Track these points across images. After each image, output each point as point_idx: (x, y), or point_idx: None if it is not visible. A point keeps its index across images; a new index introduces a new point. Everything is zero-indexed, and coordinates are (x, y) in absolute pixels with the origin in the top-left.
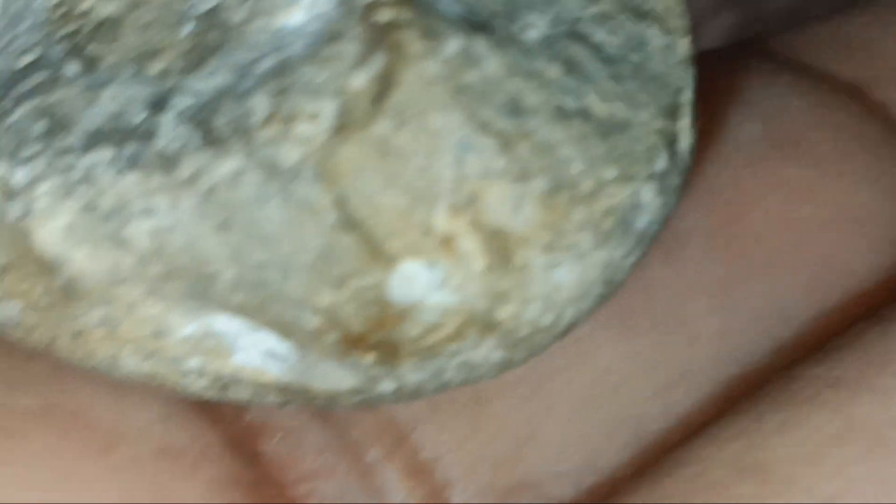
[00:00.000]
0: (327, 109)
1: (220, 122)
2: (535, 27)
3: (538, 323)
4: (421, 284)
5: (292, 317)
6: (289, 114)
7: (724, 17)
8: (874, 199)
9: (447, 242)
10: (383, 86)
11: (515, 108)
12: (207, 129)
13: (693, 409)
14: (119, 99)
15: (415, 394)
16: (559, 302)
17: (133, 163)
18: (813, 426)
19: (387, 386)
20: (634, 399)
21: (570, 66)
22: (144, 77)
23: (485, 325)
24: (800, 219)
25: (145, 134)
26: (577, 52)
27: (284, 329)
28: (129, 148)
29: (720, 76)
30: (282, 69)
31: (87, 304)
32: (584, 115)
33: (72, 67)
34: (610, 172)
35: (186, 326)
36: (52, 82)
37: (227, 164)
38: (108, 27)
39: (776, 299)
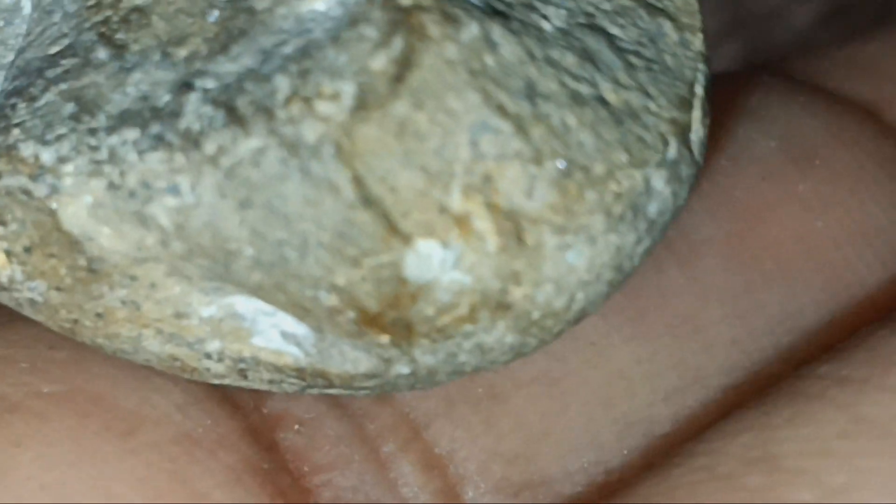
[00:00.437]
0: (347, 89)
1: (244, 102)
2: (553, 18)
3: (550, 306)
4: (436, 263)
5: (310, 296)
6: (310, 93)
7: (729, 46)
8: (886, 215)
9: (462, 222)
10: (402, 67)
11: (531, 93)
12: (231, 108)
13: (705, 413)
14: (146, 82)
15: (429, 378)
16: (571, 285)
17: (157, 142)
18: (821, 421)
19: (402, 369)
20: (647, 401)
21: (586, 56)
22: (171, 61)
23: (498, 305)
24: (813, 232)
25: (170, 114)
26: (593, 42)
27: (302, 309)
28: (154, 128)
29: (738, 94)
30: (304, 52)
31: (110, 284)
32: (598, 101)
33: (101, 53)
34: (622, 157)
35: (207, 307)
36: (81, 67)
37: (250, 143)
38: (137, 15)
39: (789, 309)
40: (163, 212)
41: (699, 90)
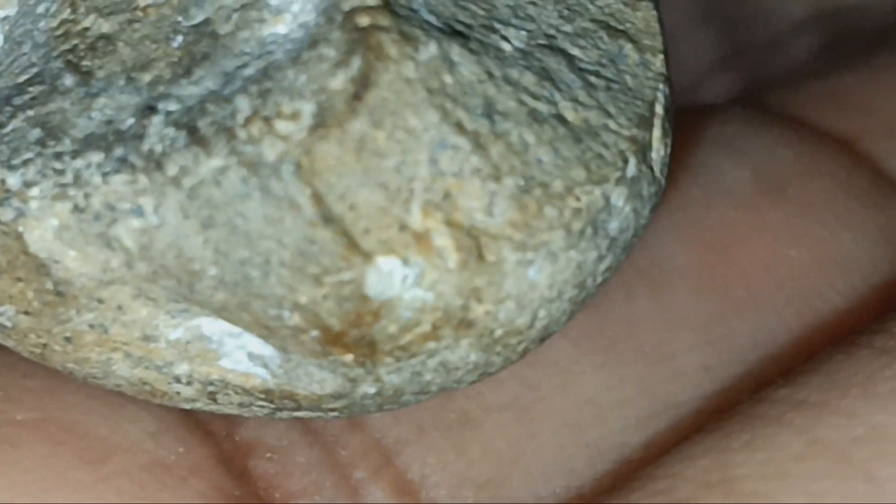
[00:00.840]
0: (307, 108)
1: (205, 123)
2: (513, 39)
3: (513, 323)
4: (397, 280)
5: (273, 315)
6: (270, 113)
7: (726, 77)
8: (858, 245)
9: (422, 239)
10: (361, 86)
11: (489, 111)
12: (193, 129)
13: (676, 439)
14: (111, 107)
15: (396, 398)
16: (533, 302)
17: (121, 164)
18: (778, 444)
19: (368, 389)
20: (618, 427)
21: (545, 75)
22: (136, 86)
23: (460, 322)
24: (784, 261)
25: (134, 137)
26: (553, 63)
27: (266, 329)
28: (118, 151)
29: (714, 126)
30: (265, 73)
31: (77, 307)
32: (556, 119)
33: (67, 80)
34: (581, 174)
35: (174, 330)
36: (48, 94)
37: (211, 162)
38: (104, 42)
39: (760, 337)
40: (127, 233)
41: (659, 109)
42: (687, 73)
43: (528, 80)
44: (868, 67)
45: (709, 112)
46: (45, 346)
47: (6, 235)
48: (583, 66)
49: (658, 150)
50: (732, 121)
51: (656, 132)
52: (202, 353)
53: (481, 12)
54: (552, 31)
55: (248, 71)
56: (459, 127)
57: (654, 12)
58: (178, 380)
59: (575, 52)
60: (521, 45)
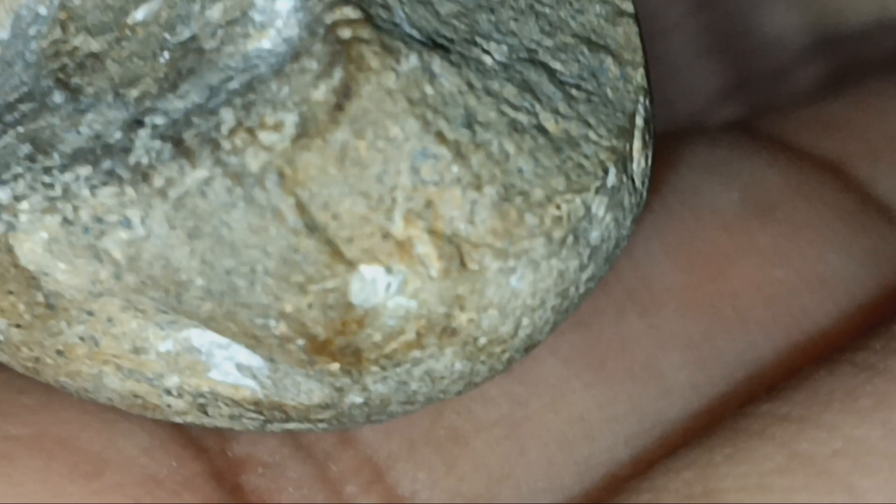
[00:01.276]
0: (290, 119)
1: (190, 135)
2: (495, 53)
3: (496, 331)
4: (380, 288)
5: (259, 324)
6: (253, 123)
7: (728, 107)
8: (845, 265)
9: (404, 247)
10: (342, 97)
11: (470, 121)
12: (178, 141)
13: (663, 456)
14: (99, 122)
15: (382, 407)
16: (516, 310)
17: (109, 177)
18: (760, 457)
19: (355, 398)
20: (607, 444)
21: (526, 87)
22: (123, 101)
23: (444, 330)
24: (772, 281)
25: (121, 150)
26: (534, 75)
27: (253, 338)
28: (106, 164)
29: (704, 149)
30: (249, 86)
31: (68, 320)
32: (537, 130)
33: (57, 97)
34: (561, 183)
35: (164, 342)
36: (38, 111)
37: (196, 173)
38: (92, 60)
39: (748, 356)
40: (115, 245)
41: (640, 121)
42: (692, 102)
43: (509, 91)
44: (855, 92)
45: (699, 135)
46: (37, 359)
47: None
48: (563, 78)
49: (639, 162)
50: (722, 144)
51: (637, 143)
52: (191, 365)
53: (463, 27)
54: (533, 46)
55: (233, 84)
56: (440, 136)
57: (635, 27)
58: (168, 392)
59: (556, 65)
60: (503, 59)
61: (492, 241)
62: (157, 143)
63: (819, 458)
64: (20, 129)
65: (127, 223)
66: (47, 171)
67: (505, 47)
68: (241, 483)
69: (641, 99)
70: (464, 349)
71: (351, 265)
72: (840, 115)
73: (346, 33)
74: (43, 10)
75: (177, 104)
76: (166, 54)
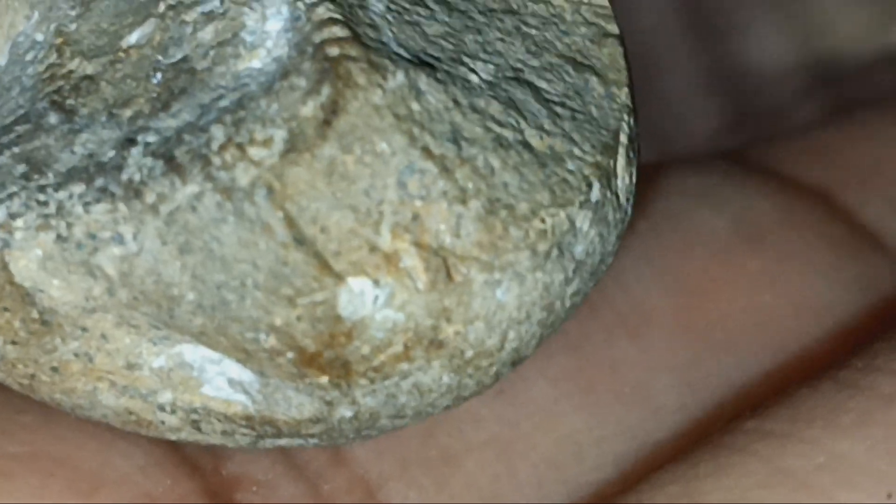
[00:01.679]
0: (279, 135)
1: (181, 151)
2: (481, 72)
3: (483, 344)
4: (368, 301)
5: (250, 337)
6: (243, 139)
7: (729, 145)
8: (832, 291)
9: (391, 260)
10: (330, 112)
11: (456, 137)
12: (169, 158)
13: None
14: (93, 141)
15: (372, 421)
16: (502, 323)
17: (101, 194)
18: (743, 472)
19: (345, 412)
20: (595, 464)
21: (511, 104)
22: (117, 121)
23: (431, 343)
24: (761, 306)
25: (114, 168)
26: (519, 93)
27: (244, 352)
28: (99, 181)
29: (694, 177)
30: (239, 104)
31: (62, 336)
32: (522, 145)
33: (52, 118)
34: (545, 197)
35: (157, 358)
36: (33, 132)
37: (187, 189)
38: (87, 82)
39: (736, 379)
40: (108, 261)
41: (624, 139)
42: (692, 139)
43: (495, 108)
44: (843, 122)
45: (690, 164)
46: (32, 376)
47: None
48: (549, 97)
49: (623, 178)
50: (712, 172)
51: (621, 160)
52: (184, 381)
53: (450, 47)
54: (519, 65)
55: (224, 102)
56: (426, 151)
57: (620, 48)
58: (162, 408)
59: (541, 84)
60: (489, 77)
61: (478, 253)
62: (149, 160)
63: (802, 472)
64: (15, 149)
65: (120, 239)
66: (42, 189)
67: (491, 66)
68: (235, 501)
69: (626, 117)
70: (451, 362)
71: (339, 278)
72: (828, 145)
73: (334, 51)
74: (40, 37)
75: (169, 122)
76: (159, 75)
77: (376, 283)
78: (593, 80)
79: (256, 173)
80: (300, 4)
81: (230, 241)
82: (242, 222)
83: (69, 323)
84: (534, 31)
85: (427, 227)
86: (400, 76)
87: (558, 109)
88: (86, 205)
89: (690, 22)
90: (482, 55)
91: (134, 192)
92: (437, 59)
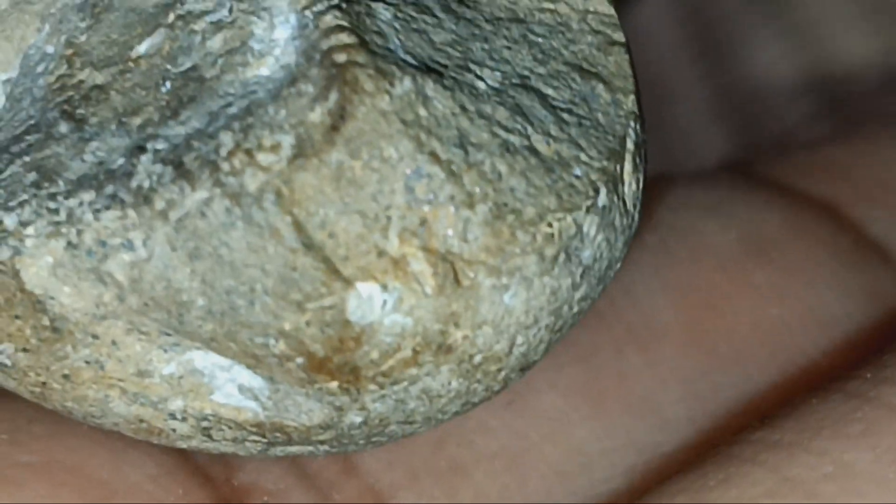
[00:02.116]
0: (286, 141)
1: (190, 158)
2: (488, 79)
3: (491, 349)
4: (377, 305)
5: (259, 343)
6: (251, 145)
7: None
8: (840, 304)
9: (399, 265)
10: (338, 118)
11: (463, 142)
12: (179, 164)
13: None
14: (103, 150)
15: (382, 428)
16: (510, 327)
17: (111, 201)
18: (751, 482)
19: (354, 417)
20: (604, 476)
21: (518, 110)
22: (126, 129)
23: (439, 348)
24: (768, 319)
25: (124, 175)
26: (526, 100)
27: (253, 358)
28: (108, 188)
29: (702, 191)
30: (248, 110)
31: (73, 343)
32: (529, 151)
33: (62, 127)
34: (552, 202)
35: (167, 365)
36: (44, 141)
37: (196, 195)
38: (97, 92)
39: (744, 391)
40: (118, 268)
41: (630, 145)
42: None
43: (501, 114)
44: (851, 137)
45: (698, 178)
46: (44, 384)
47: (4, 274)
48: (555, 103)
49: (630, 184)
50: (720, 186)
51: (627, 166)
52: (195, 388)
53: (457, 54)
54: (526, 73)
55: (232, 109)
56: (434, 156)
57: (626, 56)
58: (173, 416)
59: (548, 91)
60: (496, 84)
61: (485, 258)
62: (159, 167)
63: (809, 482)
64: (26, 158)
65: (129, 245)
66: (52, 197)
67: (498, 73)
68: None
69: (632, 123)
70: (459, 367)
71: (347, 283)
72: (836, 160)
73: (341, 58)
74: (50, 49)
75: (178, 130)
76: (168, 84)
77: (384, 287)
78: (599, 87)
79: (265, 179)
80: (308, 13)
81: (239, 247)
82: (251, 228)
83: (80, 330)
84: (540, 40)
85: (435, 232)
86: (407, 82)
87: (565, 116)
88: (96, 212)
89: (699, 49)
90: (489, 62)
91: (143, 198)
92: (444, 66)
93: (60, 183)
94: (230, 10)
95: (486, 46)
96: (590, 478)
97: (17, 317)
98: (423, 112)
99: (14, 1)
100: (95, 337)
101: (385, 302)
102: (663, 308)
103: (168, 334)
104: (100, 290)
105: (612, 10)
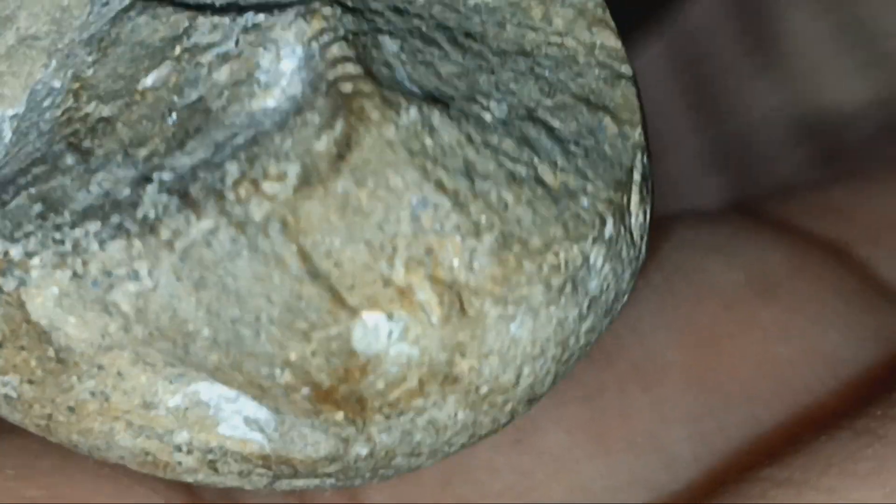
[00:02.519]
0: (292, 170)
1: (196, 187)
2: (493, 110)
3: (497, 380)
4: (382, 335)
5: (265, 373)
6: (257, 175)
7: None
8: (846, 343)
9: (405, 294)
10: (344, 147)
11: (469, 172)
12: (184, 194)
13: None
14: (109, 181)
15: (388, 460)
16: (516, 358)
17: (117, 231)
18: None
19: (360, 450)
20: None
21: (524, 142)
22: (132, 161)
23: (445, 378)
24: (774, 358)
25: (129, 205)
26: (533, 132)
27: (259, 389)
28: (114, 218)
29: (707, 230)
30: (254, 140)
31: (79, 374)
32: (535, 181)
33: (68, 159)
34: (559, 232)
35: (173, 397)
36: (50, 172)
37: (202, 224)
38: (103, 124)
39: (750, 430)
40: (124, 298)
41: (637, 176)
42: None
43: (508, 145)
44: (855, 177)
45: (703, 217)
46: (49, 416)
47: (9, 305)
48: (562, 135)
49: (637, 216)
50: (725, 225)
51: (634, 197)
52: (200, 420)
53: (463, 86)
54: (533, 105)
55: (238, 140)
56: (440, 186)
57: (633, 89)
58: (178, 449)
59: (555, 123)
60: (502, 116)
61: (491, 287)
62: (164, 197)
63: None
64: (32, 190)
65: (135, 276)
66: (58, 227)
67: (504, 105)
68: None
69: (639, 155)
70: (466, 398)
71: (353, 312)
72: (842, 200)
73: (347, 88)
74: (57, 84)
75: (184, 160)
76: (174, 115)
77: (390, 316)
78: (606, 119)
79: (270, 208)
80: (314, 44)
81: (245, 276)
82: (257, 256)
83: (85, 361)
84: (547, 73)
85: (441, 261)
86: (413, 112)
87: (571, 147)
88: (101, 242)
89: (694, 99)
90: (495, 94)
91: (149, 228)
92: (451, 97)
93: (66, 214)
94: (237, 43)
95: (492, 79)
96: None
97: (22, 348)
98: (429, 142)
99: (21, 37)
100: (101, 367)
101: (391, 331)
102: (668, 346)
103: (173, 365)
104: (105, 321)
105: (619, 44)
